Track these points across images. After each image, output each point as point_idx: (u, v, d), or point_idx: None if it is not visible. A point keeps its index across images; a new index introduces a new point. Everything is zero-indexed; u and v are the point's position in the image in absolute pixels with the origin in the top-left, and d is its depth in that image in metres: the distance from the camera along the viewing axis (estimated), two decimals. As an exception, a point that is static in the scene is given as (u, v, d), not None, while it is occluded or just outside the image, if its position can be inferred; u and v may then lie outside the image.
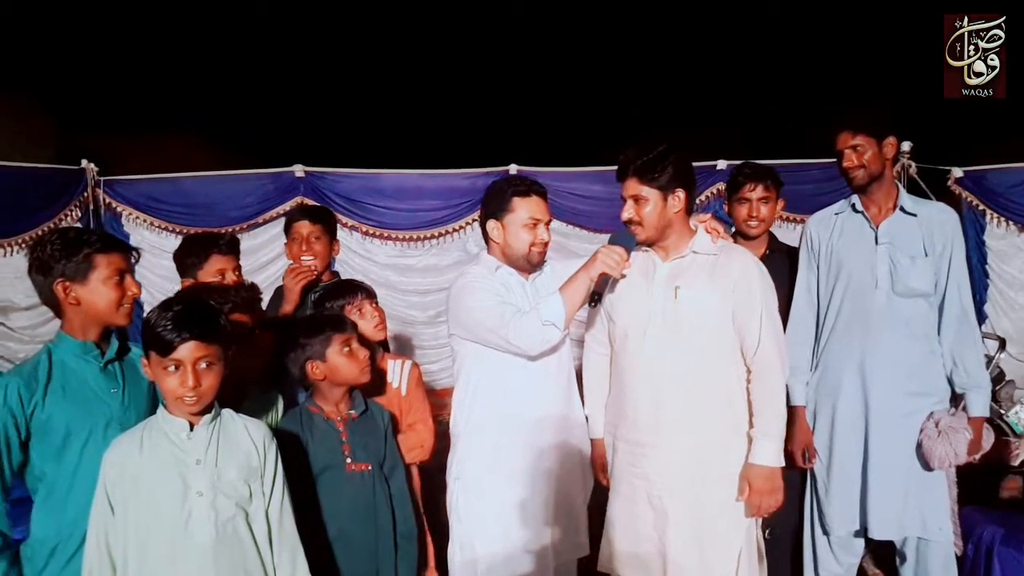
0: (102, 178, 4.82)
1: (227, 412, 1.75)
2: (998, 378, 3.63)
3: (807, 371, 2.55)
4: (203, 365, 1.64)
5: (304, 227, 2.75)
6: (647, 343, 2.12)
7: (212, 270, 2.44)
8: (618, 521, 2.20)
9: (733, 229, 2.74)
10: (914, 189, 4.41)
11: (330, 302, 2.37)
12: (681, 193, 2.09)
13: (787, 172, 4.24)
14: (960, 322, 2.40)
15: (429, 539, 2.36)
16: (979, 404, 2.40)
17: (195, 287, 2.32)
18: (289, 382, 2.22)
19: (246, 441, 1.74)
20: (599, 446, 2.33)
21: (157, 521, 1.63)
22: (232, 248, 2.53)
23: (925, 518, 2.39)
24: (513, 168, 4.83)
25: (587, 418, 2.35)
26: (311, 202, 4.66)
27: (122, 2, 4.57)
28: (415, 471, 2.39)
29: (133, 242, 4.39)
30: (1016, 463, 3.14)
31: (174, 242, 4.17)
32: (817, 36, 5.14)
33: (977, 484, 2.83)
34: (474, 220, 4.63)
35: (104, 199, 4.81)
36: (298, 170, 4.84)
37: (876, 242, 2.43)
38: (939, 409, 2.39)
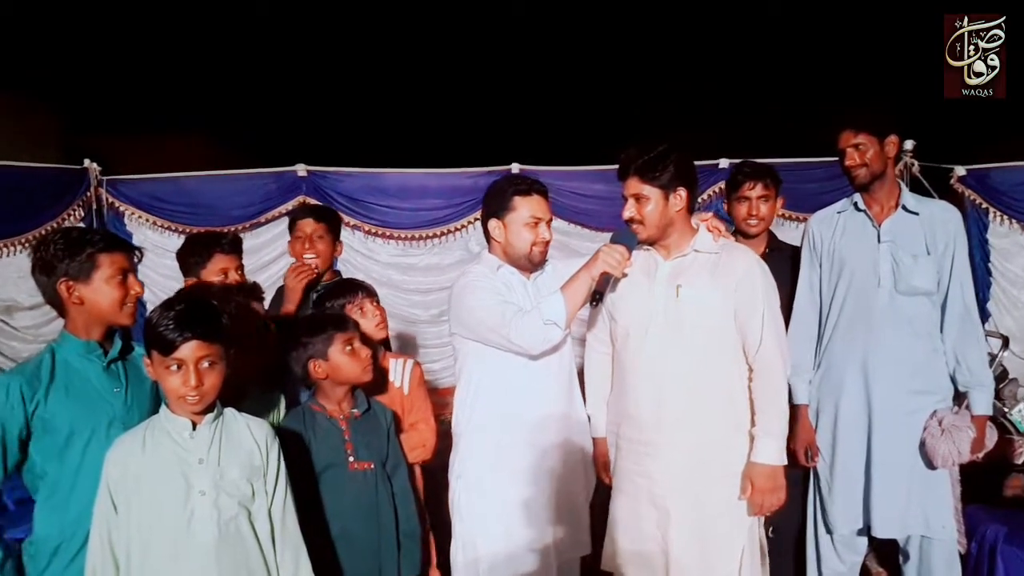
0: (105, 178, 4.82)
1: (229, 411, 1.76)
2: (1001, 376, 3.63)
3: (810, 370, 2.54)
4: (205, 364, 1.64)
5: (308, 225, 2.76)
6: (649, 342, 2.12)
7: (215, 269, 2.45)
8: (621, 520, 2.20)
9: (732, 228, 2.74)
10: (917, 187, 4.40)
11: (331, 301, 2.37)
12: (682, 192, 2.09)
13: (791, 171, 4.26)
14: (963, 320, 2.40)
15: (431, 538, 2.36)
16: (982, 402, 2.40)
17: (197, 286, 2.32)
18: (292, 381, 2.23)
19: (248, 440, 1.74)
20: (601, 445, 2.33)
21: (160, 520, 1.63)
22: (235, 247, 2.54)
23: (928, 516, 2.39)
24: (515, 167, 4.83)
25: (589, 417, 2.35)
26: (313, 201, 4.66)
27: (125, 2, 4.57)
28: (417, 470, 2.39)
29: (136, 241, 4.39)
30: (1020, 461, 3.13)
31: (177, 241, 4.18)
32: (817, 36, 5.14)
33: (980, 482, 2.82)
34: (476, 219, 4.62)
35: (107, 199, 4.81)
36: (300, 169, 4.84)
37: (878, 240, 2.43)
38: (942, 407, 2.39)
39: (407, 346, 4.94)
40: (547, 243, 2.28)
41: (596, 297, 2.15)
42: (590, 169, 4.86)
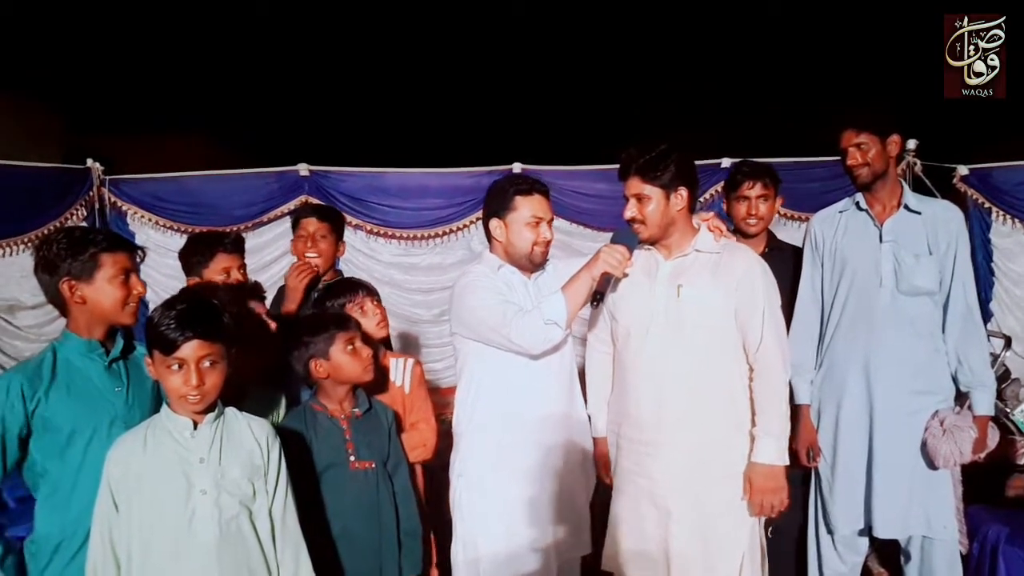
0: (107, 177, 4.82)
1: (230, 410, 1.76)
2: (1003, 376, 3.62)
3: (811, 369, 2.54)
4: (206, 364, 1.65)
5: (311, 224, 2.76)
6: (649, 342, 2.12)
7: (217, 269, 2.45)
8: (622, 520, 2.20)
9: (732, 227, 2.74)
10: (919, 187, 4.39)
11: (331, 300, 2.37)
12: (683, 191, 2.09)
13: (792, 170, 4.25)
14: (965, 320, 2.39)
15: (432, 537, 2.36)
16: (984, 402, 2.39)
17: (198, 285, 2.33)
18: (293, 380, 2.23)
19: (249, 439, 1.74)
20: (602, 445, 2.34)
21: (161, 519, 1.63)
22: (237, 247, 2.54)
23: (930, 517, 2.39)
24: (516, 166, 4.82)
25: (589, 417, 2.35)
26: (315, 201, 4.66)
27: (127, 1, 4.58)
28: (418, 469, 2.39)
29: (138, 241, 4.40)
30: (1021, 462, 3.13)
31: (179, 241, 4.18)
32: (817, 36, 5.12)
33: (982, 483, 2.82)
34: (478, 219, 4.62)
35: (109, 198, 4.82)
36: (302, 169, 4.84)
37: (880, 240, 2.43)
38: (944, 408, 2.39)
39: (409, 346, 4.95)
40: (548, 243, 2.28)
41: (597, 297, 2.15)
42: (591, 169, 4.86)
